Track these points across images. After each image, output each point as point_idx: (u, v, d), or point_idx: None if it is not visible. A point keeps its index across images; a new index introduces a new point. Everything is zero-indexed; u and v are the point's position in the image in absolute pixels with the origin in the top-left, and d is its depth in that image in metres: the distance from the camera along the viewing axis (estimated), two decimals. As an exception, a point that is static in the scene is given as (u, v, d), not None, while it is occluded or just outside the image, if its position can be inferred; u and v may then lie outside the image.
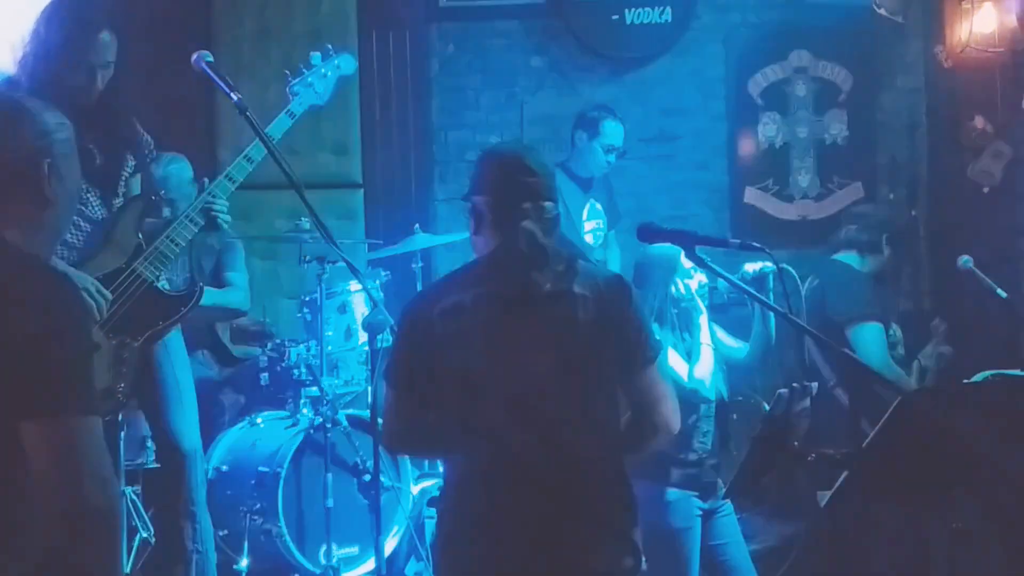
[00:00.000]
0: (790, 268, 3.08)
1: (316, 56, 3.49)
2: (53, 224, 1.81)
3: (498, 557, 2.24)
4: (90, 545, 1.61)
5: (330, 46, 3.56)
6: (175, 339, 3.31)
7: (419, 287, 4.43)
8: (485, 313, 2.24)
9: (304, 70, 3.46)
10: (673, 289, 3.22)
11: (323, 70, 3.47)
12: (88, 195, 3.13)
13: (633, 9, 5.70)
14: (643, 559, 2.32)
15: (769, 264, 3.16)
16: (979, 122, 5.46)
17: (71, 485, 1.58)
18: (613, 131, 4.84)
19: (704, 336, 3.23)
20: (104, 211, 3.17)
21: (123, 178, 3.21)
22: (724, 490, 3.23)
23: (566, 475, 2.20)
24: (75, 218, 3.07)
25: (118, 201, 3.20)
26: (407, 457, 3.99)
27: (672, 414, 2.33)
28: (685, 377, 3.16)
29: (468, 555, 2.30)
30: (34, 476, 1.59)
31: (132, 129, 3.23)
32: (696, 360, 3.20)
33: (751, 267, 3.21)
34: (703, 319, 3.24)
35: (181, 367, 3.34)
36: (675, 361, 3.17)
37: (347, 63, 3.56)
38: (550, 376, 2.22)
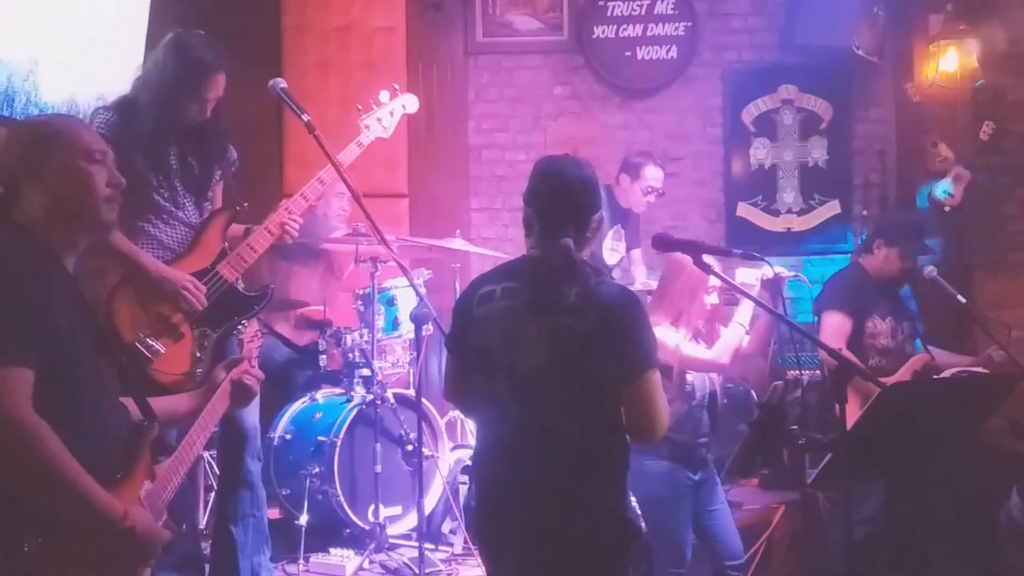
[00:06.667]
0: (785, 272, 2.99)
1: (385, 94, 3.38)
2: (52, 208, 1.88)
3: (501, 525, 2.19)
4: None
5: (396, 85, 3.45)
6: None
7: (457, 284, 4.39)
8: (505, 305, 2.20)
9: (374, 106, 3.35)
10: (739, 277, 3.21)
11: (390, 108, 3.38)
12: (185, 200, 3.07)
13: (643, 47, 5.72)
14: (634, 533, 2.21)
15: (784, 271, 3.12)
16: (942, 149, 5.39)
17: None
18: (653, 175, 4.78)
19: (741, 316, 3.21)
20: (197, 215, 3.10)
21: (212, 188, 3.16)
22: (719, 464, 3.18)
23: (553, 455, 2.13)
24: (172, 220, 3.05)
25: (207, 206, 3.15)
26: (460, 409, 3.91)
27: (658, 423, 2.16)
28: (709, 350, 3.18)
29: (483, 518, 2.26)
30: None
31: (224, 147, 3.16)
32: (727, 333, 3.19)
33: (764, 272, 3.09)
34: (746, 304, 3.20)
35: None
36: (689, 347, 3.17)
37: (411, 102, 3.45)
38: (543, 370, 2.14)
